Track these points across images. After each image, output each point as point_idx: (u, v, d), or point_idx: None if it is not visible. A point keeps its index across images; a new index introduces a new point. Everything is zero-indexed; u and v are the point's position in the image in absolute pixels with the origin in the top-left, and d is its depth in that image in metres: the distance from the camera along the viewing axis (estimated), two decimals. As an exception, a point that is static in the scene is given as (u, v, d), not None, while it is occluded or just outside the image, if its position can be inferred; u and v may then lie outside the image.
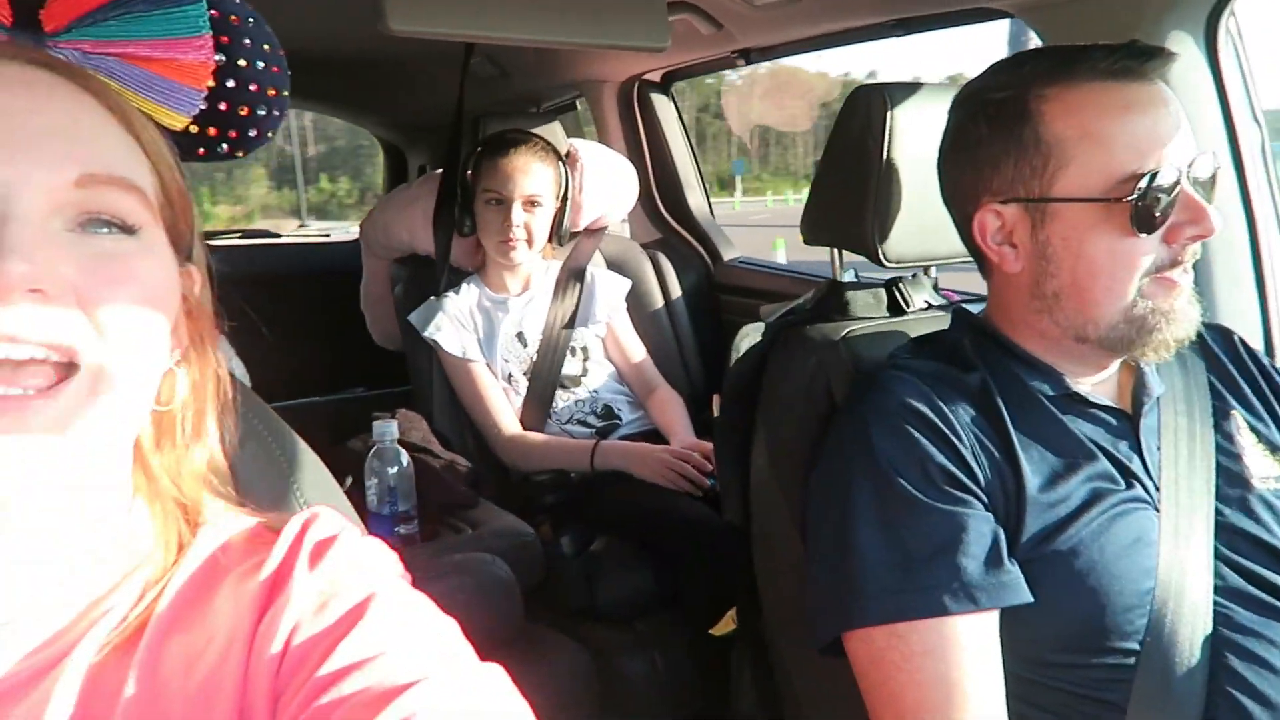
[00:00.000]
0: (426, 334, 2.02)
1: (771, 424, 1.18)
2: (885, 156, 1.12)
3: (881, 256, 1.16)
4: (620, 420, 2.10)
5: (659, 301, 2.36)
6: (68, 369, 0.47)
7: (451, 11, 0.92)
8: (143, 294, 0.50)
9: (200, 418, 0.60)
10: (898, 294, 1.24)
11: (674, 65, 2.33)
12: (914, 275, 1.29)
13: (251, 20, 0.63)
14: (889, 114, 1.12)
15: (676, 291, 2.41)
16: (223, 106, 0.61)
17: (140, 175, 0.52)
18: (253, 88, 0.61)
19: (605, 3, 1.01)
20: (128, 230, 0.51)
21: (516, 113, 2.41)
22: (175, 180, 0.56)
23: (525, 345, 2.07)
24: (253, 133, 0.63)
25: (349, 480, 1.68)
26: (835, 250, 1.27)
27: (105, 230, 0.50)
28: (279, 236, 3.62)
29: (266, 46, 0.62)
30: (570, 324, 2.10)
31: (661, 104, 2.47)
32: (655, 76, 2.43)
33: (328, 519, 0.60)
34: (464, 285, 2.10)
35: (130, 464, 0.57)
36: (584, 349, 2.12)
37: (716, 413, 1.27)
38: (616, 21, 1.02)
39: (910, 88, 1.16)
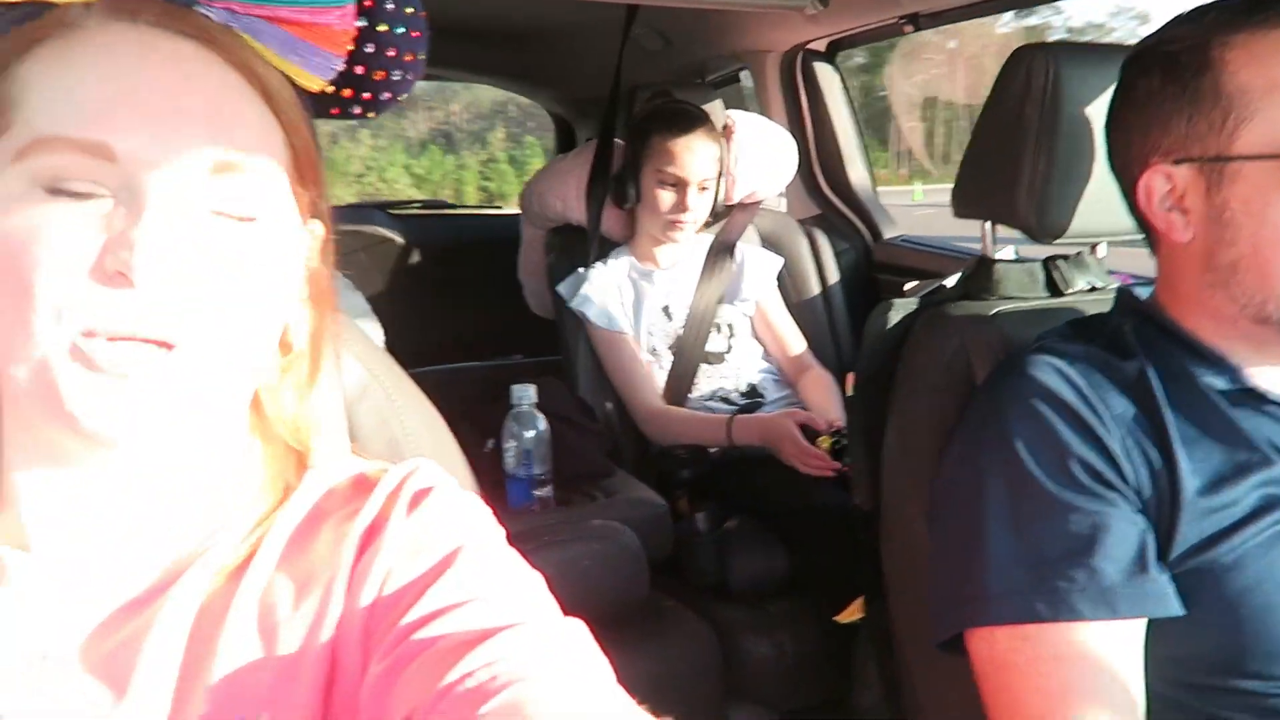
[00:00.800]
0: (574, 304, 2.03)
1: (905, 406, 1.11)
2: (1046, 121, 1.03)
3: (1038, 230, 1.07)
4: (764, 399, 2.05)
5: (813, 279, 2.30)
6: (175, 351, 0.49)
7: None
8: (255, 286, 0.51)
9: (315, 368, 0.62)
10: (1055, 273, 1.15)
11: (839, 33, 2.24)
12: (1078, 254, 1.19)
13: None
14: (1052, 76, 1.02)
15: (832, 269, 2.33)
16: (359, 70, 0.60)
17: (273, 151, 0.53)
18: (390, 53, 0.61)
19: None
20: (250, 218, 0.51)
21: (678, 84, 2.40)
22: (306, 145, 0.56)
23: (671, 319, 2.06)
24: (385, 95, 0.63)
25: (490, 443, 1.72)
26: (987, 224, 1.18)
27: (231, 219, 0.51)
28: (455, 208, 3.77)
29: (409, 10, 0.61)
30: (718, 300, 2.07)
31: (825, 74, 2.38)
32: (820, 45, 2.35)
33: (427, 471, 0.61)
34: (612, 256, 2.10)
35: (246, 412, 0.60)
36: (730, 326, 2.09)
37: (849, 391, 1.21)
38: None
39: (1078, 48, 1.06)
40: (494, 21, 2.44)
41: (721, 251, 2.11)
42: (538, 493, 1.65)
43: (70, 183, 0.47)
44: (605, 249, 2.12)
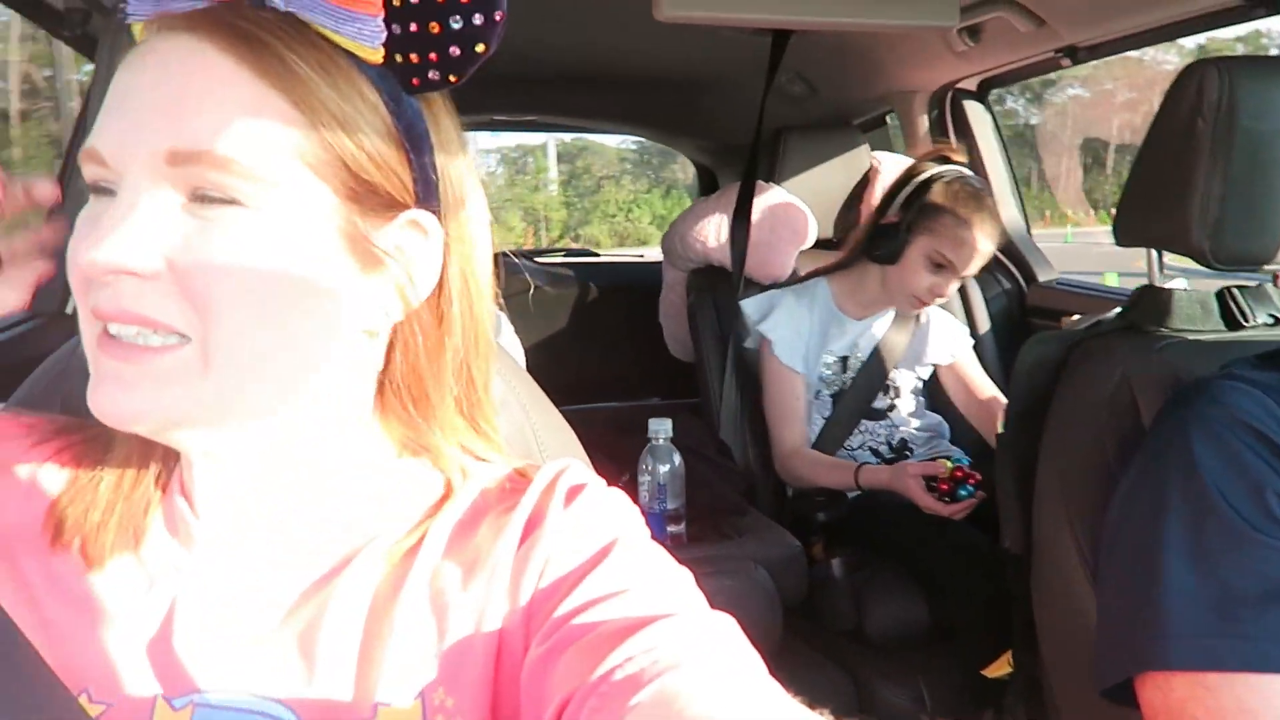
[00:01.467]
0: (761, 326, 1.96)
1: (1062, 443, 1.05)
2: (1220, 138, 0.96)
3: (1211, 256, 0.99)
4: (911, 453, 1.99)
5: (961, 323, 2.22)
6: (181, 340, 0.50)
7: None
8: (243, 261, 0.50)
9: (439, 372, 0.60)
10: (1232, 303, 1.06)
11: (990, 70, 2.18)
12: (1258, 285, 1.10)
13: None
14: (1227, 90, 0.96)
15: (983, 314, 2.24)
16: (413, 27, 0.54)
17: (247, 140, 0.50)
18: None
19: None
20: (230, 201, 0.50)
21: (821, 128, 2.39)
22: (357, 128, 0.53)
23: (845, 370, 2.00)
24: (454, 50, 0.55)
25: (625, 477, 1.73)
26: (1153, 251, 1.11)
27: (212, 204, 0.50)
28: (597, 255, 3.86)
29: None
30: (896, 363, 2.00)
31: (976, 113, 2.32)
32: (970, 84, 2.29)
33: (578, 470, 0.63)
34: (807, 287, 2.02)
35: (366, 415, 0.61)
36: (897, 387, 2.03)
37: (1000, 429, 1.15)
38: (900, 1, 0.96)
39: (1256, 60, 0.99)
40: (636, 71, 2.50)
41: (910, 314, 2.02)
42: (671, 528, 1.64)
43: (96, 183, 0.52)
44: (749, 289, 2.11)
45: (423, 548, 0.58)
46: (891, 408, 2.02)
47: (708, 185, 3.45)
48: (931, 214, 1.85)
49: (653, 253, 3.67)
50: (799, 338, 1.96)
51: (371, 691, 0.53)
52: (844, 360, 2.00)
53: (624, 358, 2.98)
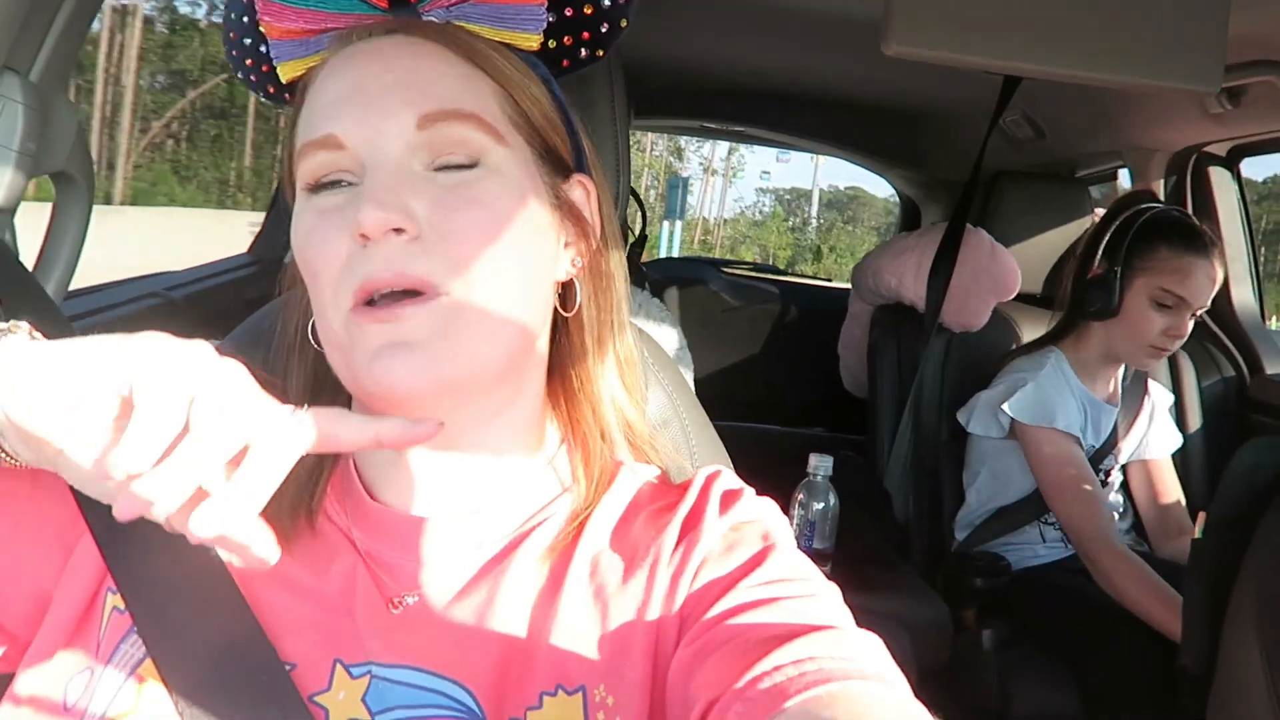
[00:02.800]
0: (1013, 408, 1.76)
1: (1270, 562, 0.94)
2: None
3: None
4: None
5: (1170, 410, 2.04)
6: (434, 294, 0.52)
7: (961, 34, 0.87)
8: (489, 216, 0.54)
9: (604, 329, 0.64)
10: None
11: (1246, 137, 1.99)
12: None
13: None
14: None
15: (1195, 403, 2.06)
16: (568, 12, 0.62)
17: (480, 100, 0.56)
18: None
19: (1144, 35, 0.88)
20: (472, 162, 0.55)
21: (1042, 176, 2.26)
22: (539, 101, 0.59)
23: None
24: (604, 27, 0.63)
25: (776, 504, 1.69)
26: None
27: (453, 166, 0.55)
28: (783, 274, 3.82)
29: None
30: (1123, 453, 1.84)
31: (1222, 182, 2.13)
32: (1219, 149, 2.10)
33: (730, 477, 0.64)
34: (1044, 358, 1.83)
35: (538, 386, 0.63)
36: (1107, 470, 1.85)
37: (1197, 533, 1.05)
38: (1156, 57, 0.89)
39: None
40: (856, 94, 2.43)
41: (1138, 389, 1.86)
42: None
43: (324, 177, 0.55)
44: (940, 335, 2.01)
45: (584, 536, 0.59)
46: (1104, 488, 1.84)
47: (909, 219, 3.33)
48: (1145, 249, 1.73)
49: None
50: (1077, 410, 1.78)
51: (538, 678, 0.54)
52: (1091, 449, 1.82)
53: (794, 381, 2.93)
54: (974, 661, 1.59)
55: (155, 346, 0.45)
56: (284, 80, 0.61)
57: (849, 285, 2.45)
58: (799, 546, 1.71)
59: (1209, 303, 1.74)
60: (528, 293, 0.57)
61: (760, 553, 0.56)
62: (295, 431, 0.46)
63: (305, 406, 0.48)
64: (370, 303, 0.52)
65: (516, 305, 0.56)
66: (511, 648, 0.55)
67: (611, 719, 0.53)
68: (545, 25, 0.61)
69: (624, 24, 0.63)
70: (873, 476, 1.96)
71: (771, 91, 2.54)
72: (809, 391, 2.74)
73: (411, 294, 0.52)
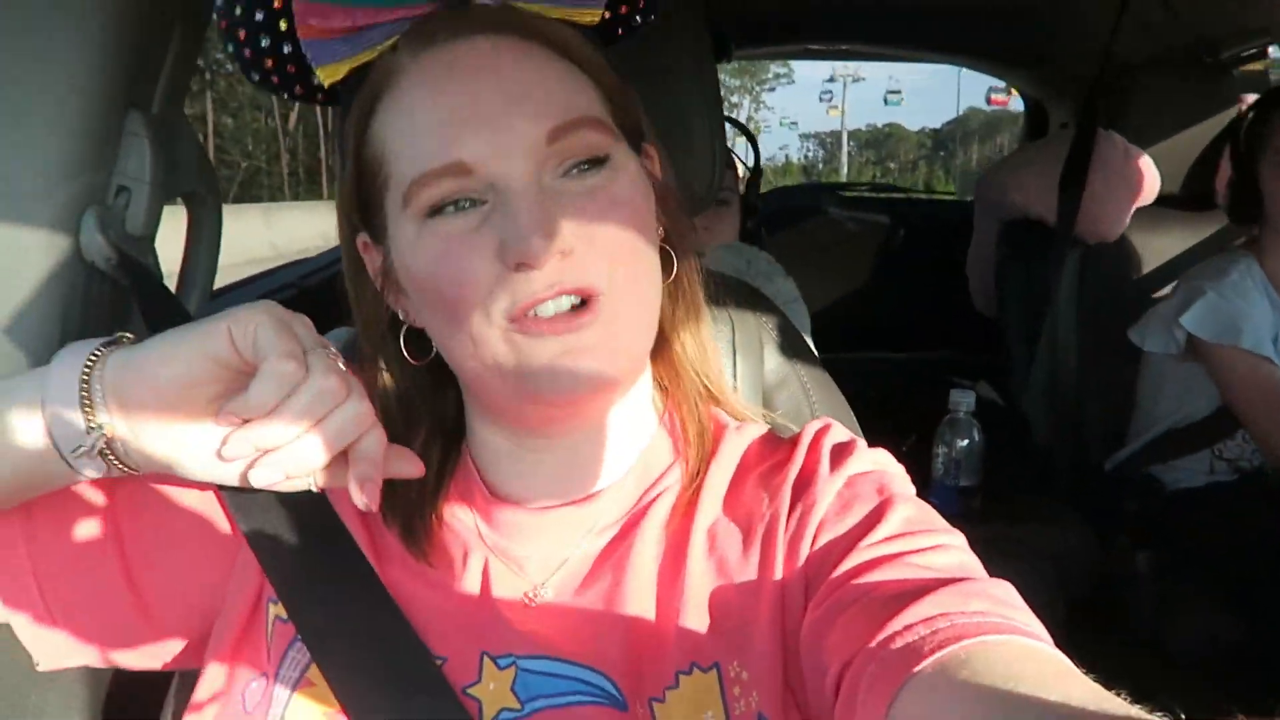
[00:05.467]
0: (1188, 320, 1.65)
1: None
2: None
3: None
4: None
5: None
6: (592, 299, 0.54)
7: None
8: (628, 212, 0.55)
9: (693, 290, 0.63)
10: None
11: None
12: None
13: None
14: None
15: None
16: None
17: (591, 100, 0.56)
18: None
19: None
20: (600, 162, 0.55)
21: (1178, 66, 2.08)
22: (612, 80, 0.59)
23: None
24: None
25: (913, 438, 1.67)
26: None
27: (585, 168, 0.55)
28: (905, 191, 3.69)
29: None
30: None
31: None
32: (1387, 16, 1.89)
33: (840, 429, 0.64)
34: (1233, 264, 1.68)
35: (649, 363, 0.63)
36: None
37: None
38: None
39: None
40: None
41: None
42: (962, 504, 1.57)
43: (449, 204, 0.53)
44: (1073, 247, 1.91)
45: (700, 506, 0.60)
46: None
47: (1037, 123, 3.14)
48: (1259, 129, 1.63)
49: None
50: (1267, 324, 1.64)
51: (672, 659, 0.55)
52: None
53: (923, 304, 2.84)
54: (1128, 589, 1.54)
55: (245, 315, 0.49)
56: (326, 83, 0.58)
57: (971, 198, 2.35)
58: (945, 483, 1.69)
59: None
60: (656, 278, 0.59)
61: (878, 507, 0.55)
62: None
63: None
64: (524, 320, 0.53)
65: (652, 292, 0.58)
66: (642, 630, 0.56)
67: (748, 692, 0.54)
68: None
69: None
70: (1013, 402, 1.89)
71: (886, 3, 2.42)
72: (937, 312, 2.65)
73: (577, 303, 0.53)
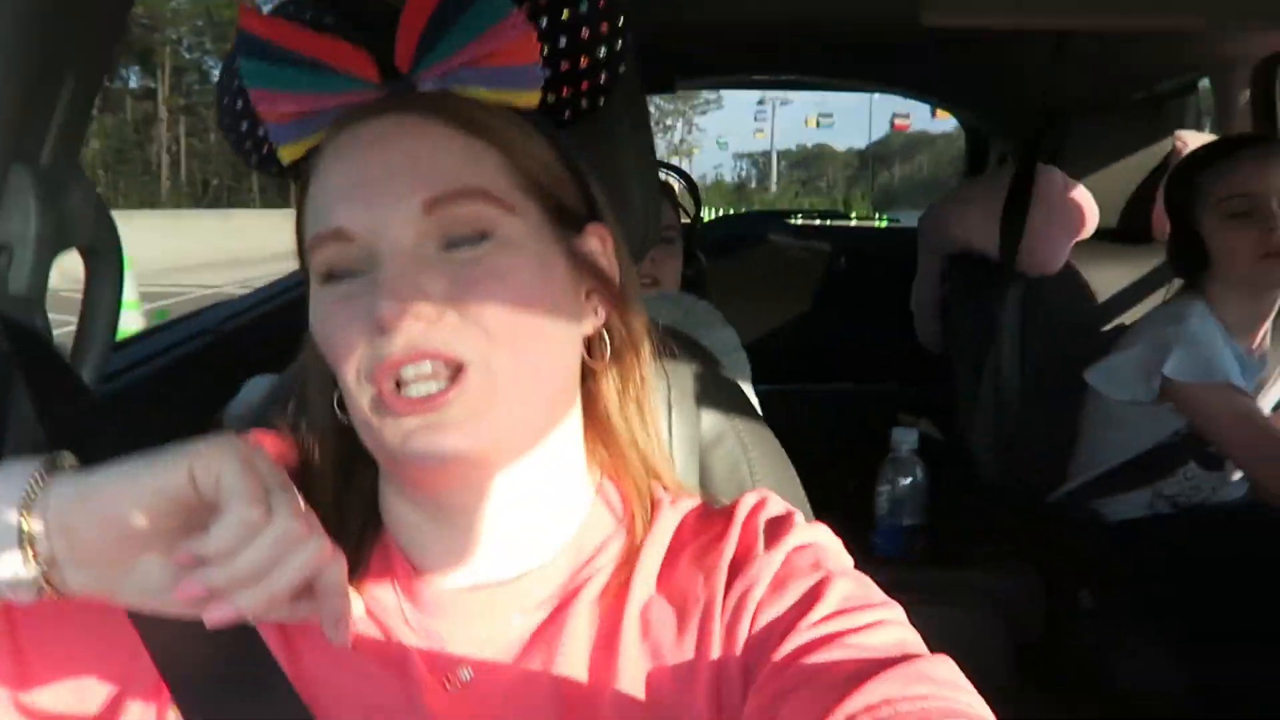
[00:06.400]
0: (1170, 370, 1.61)
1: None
2: None
3: None
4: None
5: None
6: (460, 371, 0.52)
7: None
8: (511, 285, 0.54)
9: (631, 372, 0.62)
10: None
11: (1341, 39, 1.83)
12: None
13: None
14: None
15: None
16: (564, 66, 0.61)
17: (485, 174, 0.55)
18: (584, 34, 0.61)
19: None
20: (482, 236, 0.54)
21: (1114, 105, 2.12)
22: (542, 159, 0.58)
23: None
24: (603, 77, 0.63)
25: (856, 480, 1.66)
26: None
27: (464, 244, 0.54)
28: (849, 219, 3.72)
29: None
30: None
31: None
32: (1310, 54, 1.94)
33: (776, 502, 0.62)
34: (1193, 312, 1.64)
35: (578, 438, 0.62)
36: None
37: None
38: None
39: None
40: (906, 26, 2.31)
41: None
42: (906, 544, 1.56)
43: (336, 268, 0.55)
44: (1016, 284, 1.91)
45: (631, 589, 0.58)
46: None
47: (976, 155, 3.19)
48: (1187, 186, 1.62)
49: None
50: (1233, 361, 1.62)
51: None
52: None
53: (868, 333, 2.85)
54: (1073, 627, 1.53)
55: (208, 454, 0.49)
56: (285, 163, 0.61)
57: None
58: (890, 522, 1.67)
59: None
60: (554, 355, 0.57)
61: (816, 585, 0.54)
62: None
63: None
64: (397, 385, 0.52)
65: (544, 369, 0.56)
66: (574, 717, 0.54)
67: None
68: (542, 82, 0.60)
69: (622, 69, 0.63)
70: (958, 438, 1.89)
71: (822, 35, 2.44)
72: (881, 344, 2.66)
73: (439, 375, 0.52)
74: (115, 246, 0.87)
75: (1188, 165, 1.68)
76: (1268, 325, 1.71)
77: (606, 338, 0.61)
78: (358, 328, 0.53)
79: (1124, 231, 2.02)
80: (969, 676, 0.49)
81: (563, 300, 0.58)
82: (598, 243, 0.61)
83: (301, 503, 0.51)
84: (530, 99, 0.60)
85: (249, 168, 0.66)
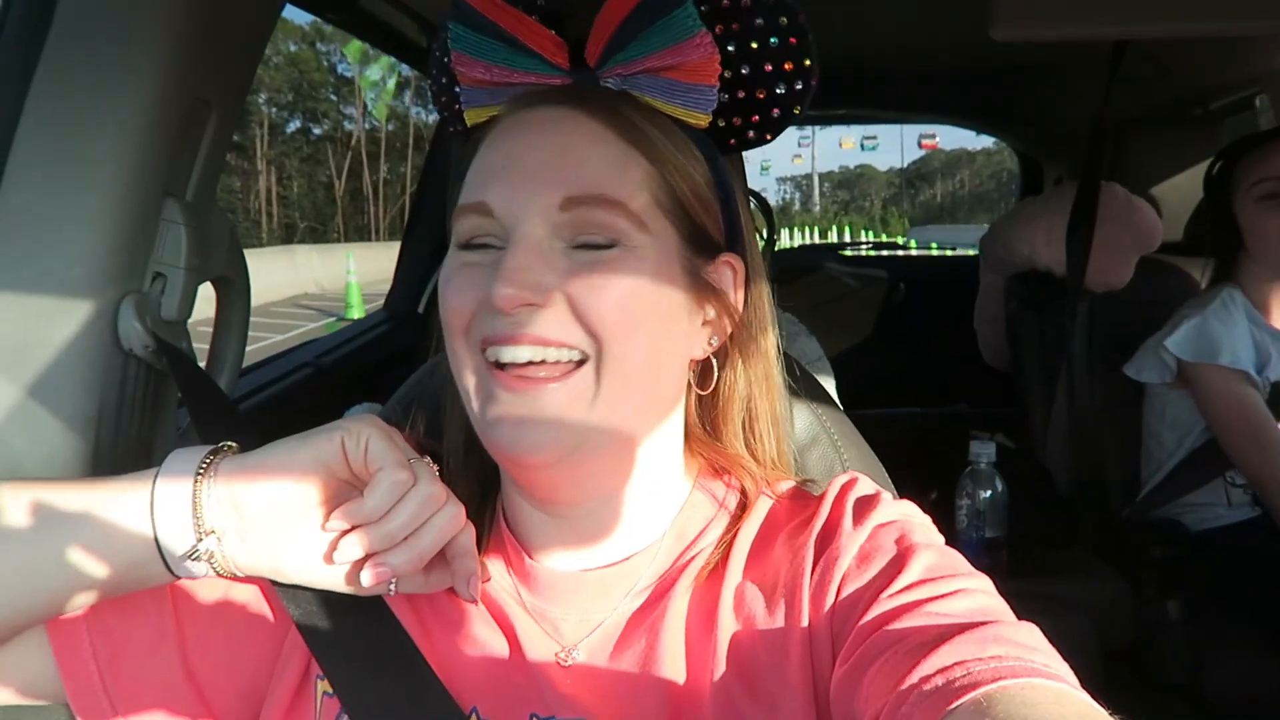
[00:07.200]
0: (1173, 343, 1.70)
1: None
2: None
3: None
4: None
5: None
6: (578, 364, 0.56)
7: (1074, 8, 0.83)
8: (622, 294, 0.56)
9: (750, 403, 0.65)
10: None
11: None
12: None
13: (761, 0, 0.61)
14: None
15: None
16: (740, 94, 0.61)
17: (629, 186, 0.57)
18: (766, 68, 0.60)
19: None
20: (609, 244, 0.56)
21: (1171, 120, 2.13)
22: (693, 180, 0.60)
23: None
24: (775, 112, 0.62)
25: (934, 493, 1.67)
26: None
27: (591, 245, 0.56)
28: (903, 249, 3.72)
29: (783, 20, 0.60)
30: None
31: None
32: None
33: (866, 482, 0.64)
34: (1219, 294, 1.73)
35: (677, 446, 0.65)
36: None
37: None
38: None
39: None
40: (958, 59, 2.35)
41: None
42: (985, 557, 1.56)
43: (472, 239, 0.58)
44: (1084, 299, 1.92)
45: (727, 570, 0.60)
46: None
47: (1031, 179, 3.20)
48: (1226, 173, 1.70)
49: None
50: (1246, 347, 1.68)
51: (706, 719, 0.55)
52: (1275, 386, 1.69)
53: (929, 358, 2.85)
54: (1162, 636, 1.52)
55: (356, 427, 0.55)
56: (468, 124, 0.65)
57: (974, 253, 2.37)
58: (970, 536, 1.67)
59: None
60: (660, 371, 0.59)
61: (899, 556, 0.56)
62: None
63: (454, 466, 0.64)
64: (499, 365, 0.55)
65: (646, 382, 0.58)
66: (676, 693, 0.56)
67: None
68: (716, 105, 0.60)
69: (797, 111, 0.62)
70: (1029, 454, 1.89)
71: (878, 70, 2.48)
72: (946, 367, 2.66)
73: (541, 363, 0.55)
74: (244, 276, 0.94)
75: (1225, 156, 1.77)
76: None
77: (714, 364, 0.63)
78: (472, 295, 0.56)
79: (1188, 244, 2.02)
80: None
81: (672, 320, 0.59)
82: (730, 273, 0.63)
83: (438, 470, 0.56)
84: (701, 119, 0.61)
85: (447, 121, 0.69)
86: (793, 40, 0.60)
